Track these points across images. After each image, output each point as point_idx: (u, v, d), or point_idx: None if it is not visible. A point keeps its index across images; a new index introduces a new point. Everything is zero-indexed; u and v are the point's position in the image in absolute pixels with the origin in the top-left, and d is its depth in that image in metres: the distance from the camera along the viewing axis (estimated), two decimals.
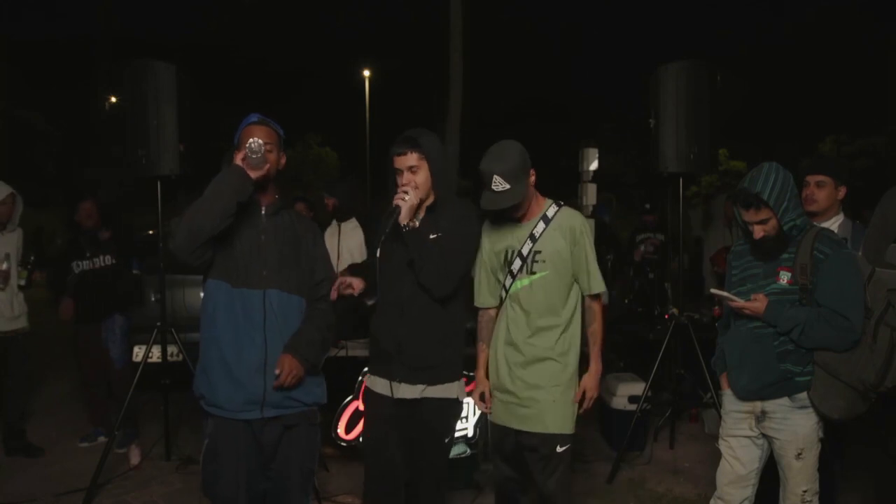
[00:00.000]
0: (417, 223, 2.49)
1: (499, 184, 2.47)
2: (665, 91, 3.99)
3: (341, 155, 31.04)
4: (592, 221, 4.11)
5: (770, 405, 2.49)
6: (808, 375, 2.43)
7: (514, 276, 2.62)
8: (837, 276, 2.37)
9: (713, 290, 2.64)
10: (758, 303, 2.43)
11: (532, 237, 2.60)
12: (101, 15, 14.95)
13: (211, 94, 20.50)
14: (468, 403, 3.74)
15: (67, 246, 4.65)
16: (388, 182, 2.60)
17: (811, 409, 2.44)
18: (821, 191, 2.98)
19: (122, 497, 3.73)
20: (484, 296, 2.78)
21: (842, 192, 3.03)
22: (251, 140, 2.29)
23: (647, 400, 4.19)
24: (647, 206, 7.22)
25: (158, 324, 4.00)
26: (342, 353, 3.79)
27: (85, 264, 4.46)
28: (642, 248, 6.85)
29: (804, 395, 2.44)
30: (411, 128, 2.56)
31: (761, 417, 2.51)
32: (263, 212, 2.44)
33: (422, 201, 2.51)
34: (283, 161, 2.50)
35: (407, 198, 2.43)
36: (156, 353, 4.18)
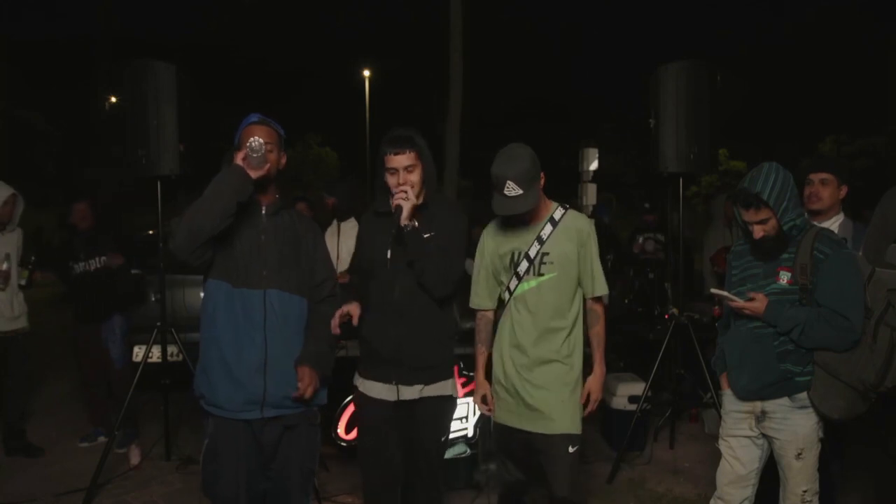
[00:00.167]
0: (416, 223, 2.49)
1: (511, 189, 2.46)
2: (665, 91, 3.99)
3: (341, 155, 31.07)
4: (592, 221, 4.11)
5: (770, 405, 2.49)
6: (808, 375, 2.43)
7: (519, 278, 2.61)
8: (837, 276, 2.37)
9: (713, 290, 2.64)
10: (757, 303, 2.43)
11: (539, 239, 2.60)
12: (101, 15, 14.96)
13: (211, 94, 20.52)
14: (468, 403, 3.75)
15: (63, 247, 4.64)
16: (376, 181, 2.59)
17: (811, 409, 2.44)
18: (825, 188, 2.99)
19: (122, 497, 3.73)
20: (482, 297, 2.78)
21: (843, 191, 3.03)
22: (252, 139, 2.29)
23: (647, 400, 4.19)
24: (647, 205, 7.22)
25: (158, 324, 4.00)
26: (342, 353, 3.79)
27: (80, 266, 4.46)
28: (640, 239, 6.86)
29: (804, 395, 2.44)
30: (400, 127, 2.56)
31: (761, 417, 2.51)
32: (264, 212, 2.44)
33: None
34: (284, 161, 2.50)
35: (408, 198, 2.43)
36: (156, 353, 4.18)
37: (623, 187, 22.41)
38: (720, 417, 2.74)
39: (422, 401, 2.57)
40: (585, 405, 2.66)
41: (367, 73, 29.73)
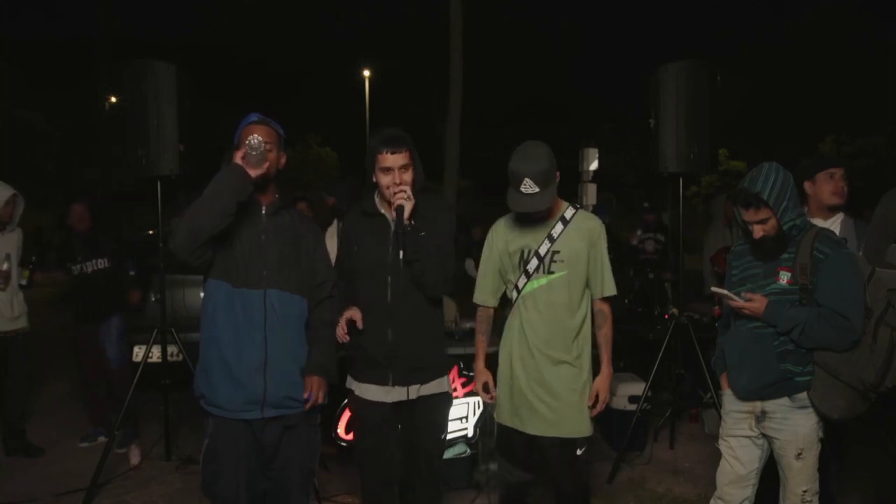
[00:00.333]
0: (413, 222, 2.49)
1: (529, 186, 2.46)
2: (665, 91, 3.98)
3: (341, 155, 31.07)
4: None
5: (770, 405, 2.49)
6: (808, 375, 2.43)
7: (528, 276, 2.61)
8: (837, 276, 2.37)
9: (714, 289, 2.64)
10: (757, 303, 2.43)
11: (550, 237, 2.60)
12: (101, 15, 14.91)
13: (211, 94, 20.54)
14: (468, 403, 3.75)
15: (63, 247, 4.64)
16: (367, 181, 2.58)
17: (811, 409, 2.44)
18: (846, 184, 2.99)
19: (122, 497, 3.73)
20: (486, 294, 2.77)
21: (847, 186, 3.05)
22: (251, 137, 2.29)
23: (647, 400, 4.18)
24: (646, 204, 7.22)
25: (159, 324, 4.00)
26: (341, 353, 3.78)
27: (77, 268, 4.46)
28: (638, 232, 6.87)
29: (804, 395, 2.44)
30: (390, 127, 2.56)
31: (761, 417, 2.51)
32: (264, 211, 2.44)
33: None
34: (283, 161, 2.50)
35: (409, 197, 2.43)
36: (156, 354, 4.17)
37: (623, 187, 22.41)
38: (720, 417, 2.74)
39: (420, 400, 2.57)
40: (593, 406, 2.66)
41: (367, 73, 29.75)
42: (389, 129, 2.55)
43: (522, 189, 2.48)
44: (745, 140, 24.69)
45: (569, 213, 2.64)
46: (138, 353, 4.86)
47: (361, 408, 2.64)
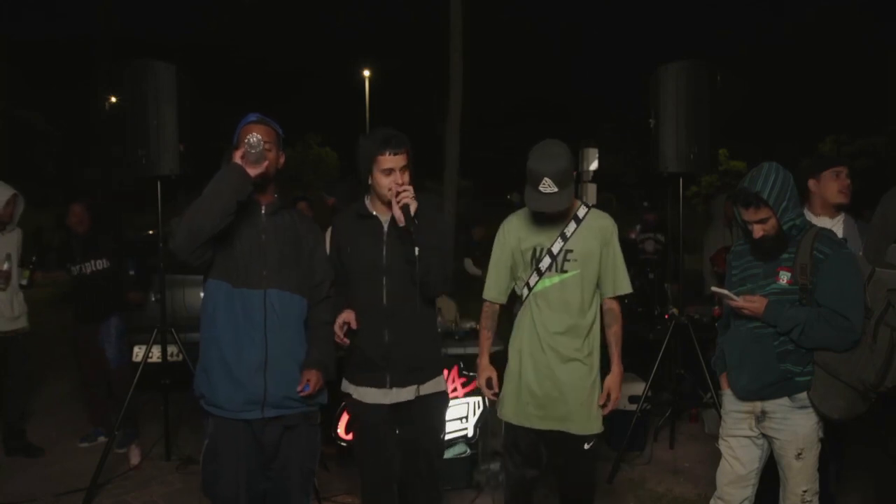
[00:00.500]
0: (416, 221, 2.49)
1: (547, 186, 2.45)
2: (665, 91, 3.98)
3: (341, 155, 31.06)
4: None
5: (770, 405, 2.49)
6: (808, 375, 2.43)
7: (540, 274, 2.61)
8: (837, 276, 2.37)
9: (714, 289, 2.64)
10: (757, 303, 2.43)
11: (563, 236, 2.59)
12: (101, 15, 14.89)
13: (211, 94, 20.53)
14: (468, 403, 3.75)
15: (62, 247, 4.64)
16: (363, 181, 2.57)
17: (811, 409, 2.44)
18: (850, 182, 2.99)
19: (122, 497, 3.73)
20: (494, 291, 2.76)
21: None
22: (250, 136, 2.29)
23: (647, 400, 4.18)
24: (646, 203, 7.21)
25: (159, 324, 4.00)
26: (341, 353, 3.78)
27: (76, 269, 4.46)
28: (637, 228, 6.86)
29: (804, 395, 2.44)
30: (386, 127, 2.55)
31: (761, 417, 2.51)
32: (263, 211, 2.44)
33: None
34: (283, 160, 2.50)
35: (414, 196, 2.43)
36: (156, 354, 4.17)
37: (623, 187, 22.41)
38: (720, 417, 2.74)
39: (418, 400, 2.57)
40: (604, 404, 2.66)
41: (367, 73, 29.76)
42: (384, 129, 2.53)
43: (541, 188, 2.46)
44: (745, 140, 24.69)
45: (581, 211, 2.63)
46: (138, 353, 4.86)
47: (360, 411, 2.64)
